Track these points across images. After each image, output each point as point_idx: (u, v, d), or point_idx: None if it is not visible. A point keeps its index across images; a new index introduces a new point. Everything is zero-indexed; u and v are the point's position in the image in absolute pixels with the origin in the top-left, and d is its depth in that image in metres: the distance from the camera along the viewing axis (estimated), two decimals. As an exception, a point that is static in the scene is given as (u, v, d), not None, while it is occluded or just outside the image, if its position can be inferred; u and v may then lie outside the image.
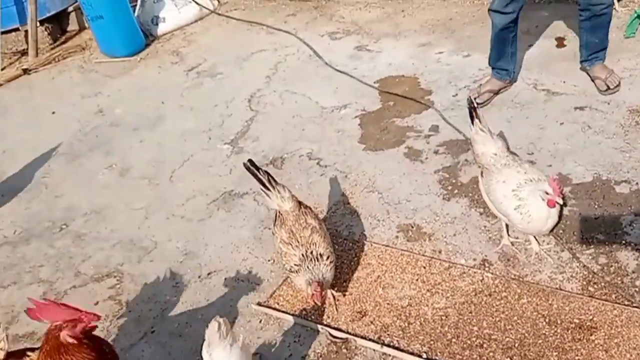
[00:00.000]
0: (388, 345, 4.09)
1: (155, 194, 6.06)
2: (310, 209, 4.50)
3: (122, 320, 4.73)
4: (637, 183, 5.02)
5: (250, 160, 4.47)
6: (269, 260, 4.97)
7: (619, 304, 4.07)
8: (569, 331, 3.97)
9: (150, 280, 5.04)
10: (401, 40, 8.07)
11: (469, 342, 4.03)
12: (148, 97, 7.87)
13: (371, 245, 4.92)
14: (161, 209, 5.85)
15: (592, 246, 4.57)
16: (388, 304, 4.40)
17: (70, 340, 3.18)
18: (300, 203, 4.46)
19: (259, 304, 4.58)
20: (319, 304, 4.17)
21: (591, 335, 3.91)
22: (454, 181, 5.43)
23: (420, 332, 4.15)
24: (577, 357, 3.81)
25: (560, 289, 4.27)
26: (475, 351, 3.97)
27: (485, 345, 3.99)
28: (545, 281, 4.37)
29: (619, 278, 4.28)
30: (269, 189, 4.34)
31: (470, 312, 4.22)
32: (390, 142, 6.14)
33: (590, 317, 4.02)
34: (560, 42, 7.24)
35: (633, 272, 4.30)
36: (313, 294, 4.03)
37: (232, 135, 6.76)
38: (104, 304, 4.89)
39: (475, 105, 4.75)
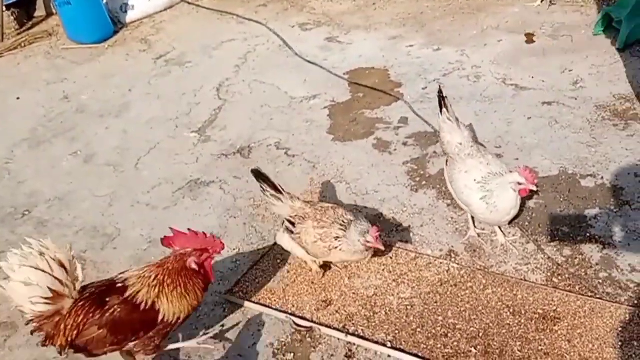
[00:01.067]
0: (353, 335, 4.07)
1: (120, 181, 5.99)
2: (318, 204, 4.50)
3: (85, 307, 4.66)
4: (602, 177, 5.06)
5: (257, 168, 4.40)
6: (234, 249, 4.92)
7: (582, 295, 4.10)
8: (533, 321, 3.98)
9: (114, 267, 4.94)
10: (372, 32, 8.07)
11: (433, 331, 4.03)
12: (115, 85, 7.78)
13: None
14: (126, 197, 5.78)
15: (557, 238, 4.60)
16: (354, 293, 4.38)
17: (194, 266, 3.70)
18: (305, 201, 4.48)
19: (223, 292, 4.54)
20: (383, 248, 4.17)
21: (555, 325, 3.93)
22: (422, 173, 5.43)
23: (385, 322, 4.14)
24: (540, 347, 3.82)
25: (525, 280, 4.29)
26: (440, 341, 3.96)
27: (449, 335, 3.99)
28: (510, 272, 4.38)
29: (583, 270, 4.31)
30: (281, 193, 4.33)
31: (436, 302, 4.22)
32: (359, 133, 6.14)
33: (554, 307, 4.04)
34: (530, 38, 7.29)
35: (597, 264, 4.33)
36: (376, 238, 4.06)
37: (199, 123, 6.70)
38: (66, 290, 4.81)
39: (445, 95, 4.74)
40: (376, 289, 4.40)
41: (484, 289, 4.24)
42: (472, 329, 4.01)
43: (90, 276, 4.85)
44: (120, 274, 3.83)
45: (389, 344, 3.98)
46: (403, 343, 3.98)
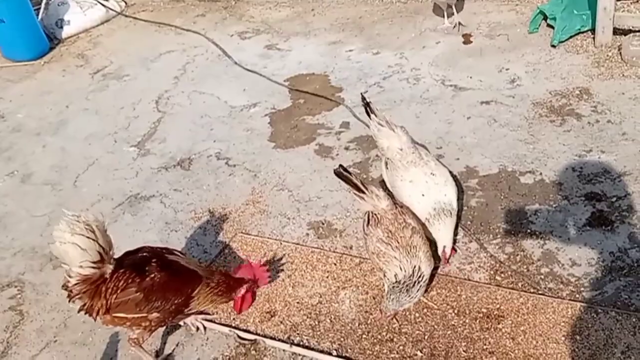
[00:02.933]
0: (298, 345, 4.02)
1: (59, 200, 5.85)
2: (406, 208, 4.24)
3: (23, 330, 4.54)
4: (540, 173, 5.10)
5: (341, 166, 4.20)
6: (176, 263, 4.84)
7: (525, 291, 4.11)
8: (477, 321, 3.98)
9: (53, 289, 4.84)
10: (311, 38, 8.05)
11: (379, 337, 4.00)
12: (51, 101, 7.63)
13: (281, 244, 4.85)
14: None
15: (498, 236, 4.62)
16: (298, 302, 4.34)
17: (243, 292, 4.19)
18: (395, 202, 4.23)
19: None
20: (381, 321, 4.11)
21: (499, 324, 3.93)
22: (364, 176, 5.42)
23: (330, 330, 4.10)
24: (485, 347, 3.82)
25: (469, 280, 4.29)
26: (386, 346, 3.94)
27: (395, 340, 3.96)
28: (454, 272, 4.38)
29: (525, 266, 4.33)
30: (363, 192, 4.10)
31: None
32: (301, 139, 6.10)
33: (498, 306, 4.05)
34: (467, 38, 7.35)
35: (538, 260, 4.36)
36: (390, 315, 4.03)
37: (138, 137, 6.60)
38: (4, 315, 4.68)
39: (368, 101, 4.70)
40: (320, 296, 4.36)
41: (428, 291, 4.21)
42: (417, 332, 3.99)
43: (29, 299, 4.80)
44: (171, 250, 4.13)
45: (334, 352, 3.94)
46: (349, 350, 3.95)
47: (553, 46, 6.79)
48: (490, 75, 6.56)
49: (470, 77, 6.59)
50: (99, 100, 7.52)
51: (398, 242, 3.93)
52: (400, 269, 3.87)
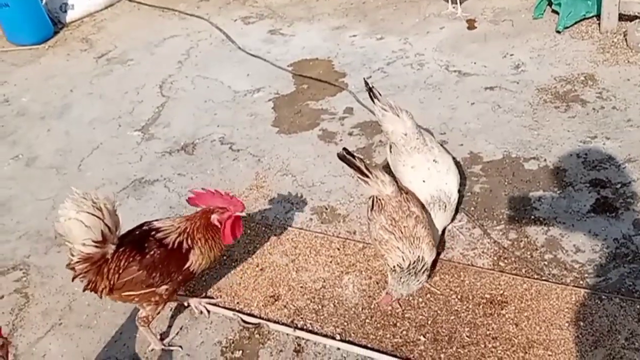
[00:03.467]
0: (301, 329, 4.04)
1: (63, 184, 5.84)
2: (412, 194, 4.18)
3: (29, 313, 4.56)
4: (545, 160, 5.10)
5: (345, 149, 4.08)
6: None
7: (528, 277, 4.12)
8: (481, 306, 3.99)
9: (58, 272, 4.85)
10: (315, 23, 8.02)
11: (382, 321, 4.02)
12: (56, 85, 7.62)
13: (285, 228, 4.86)
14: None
15: (502, 222, 4.62)
16: (301, 287, 4.35)
17: (216, 223, 3.95)
18: (401, 188, 4.15)
19: (170, 291, 4.47)
20: (385, 307, 4.11)
21: (502, 309, 3.94)
22: (368, 162, 5.39)
23: (334, 314, 4.12)
24: (488, 332, 3.83)
25: (472, 265, 4.30)
26: (389, 330, 3.95)
27: (398, 324, 3.98)
28: (457, 258, 4.39)
29: (529, 252, 4.34)
30: (367, 176, 4.03)
31: (384, 291, 4.18)
32: (305, 124, 6.10)
33: (501, 291, 4.06)
34: (471, 23, 7.32)
35: (542, 246, 4.36)
36: (382, 300, 4.06)
37: (142, 122, 6.60)
38: (9, 297, 4.70)
39: (372, 85, 4.64)
40: (324, 281, 4.37)
41: (431, 276, 4.22)
42: (420, 317, 4.00)
43: (34, 282, 4.82)
44: (149, 222, 4.04)
45: (337, 337, 3.96)
46: (352, 335, 3.97)
47: (558, 32, 6.76)
48: (494, 60, 6.54)
49: (475, 63, 6.57)
50: (103, 84, 7.51)
51: (402, 232, 3.90)
52: (403, 259, 3.86)
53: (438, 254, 4.29)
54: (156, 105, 6.85)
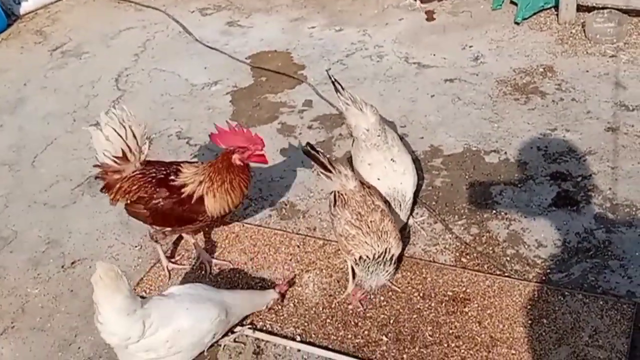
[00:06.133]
0: (260, 330, 3.95)
1: (16, 181, 5.69)
2: (374, 188, 4.14)
3: (-21, 316, 4.43)
4: (505, 152, 5.07)
5: (309, 144, 4.09)
6: (135, 247, 4.75)
7: (491, 274, 4.08)
8: (443, 304, 3.94)
9: (10, 272, 4.72)
10: (273, 15, 7.91)
11: (343, 321, 3.95)
12: (9, 79, 7.40)
13: (243, 226, 4.76)
14: (22, 197, 5.50)
15: (464, 217, 4.58)
16: (261, 286, 4.25)
17: (238, 162, 3.99)
18: (362, 183, 4.09)
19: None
20: (354, 305, 4.01)
21: (465, 307, 3.89)
22: (328, 156, 5.28)
23: (294, 314, 4.03)
24: (451, 331, 3.78)
25: (434, 262, 4.25)
26: (350, 330, 3.88)
27: (360, 324, 3.91)
28: (419, 254, 4.34)
29: (491, 248, 4.30)
30: (330, 171, 3.98)
31: (345, 290, 4.13)
32: (263, 118, 6.01)
33: (464, 288, 4.01)
34: (430, 15, 7.27)
35: (504, 241, 4.33)
36: (352, 296, 3.95)
37: (97, 116, 6.35)
38: (-41, 301, 4.56)
39: (334, 78, 4.54)
40: (284, 280, 4.27)
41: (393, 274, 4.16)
42: (382, 316, 3.94)
43: (-16, 284, 4.65)
44: (178, 164, 4.17)
45: (298, 338, 3.88)
46: (313, 335, 3.89)
47: (517, 23, 6.75)
48: (453, 52, 6.51)
49: (434, 55, 6.53)
50: (57, 78, 7.33)
51: (369, 227, 3.83)
52: (372, 253, 3.79)
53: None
54: (112, 99, 6.68)
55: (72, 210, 5.26)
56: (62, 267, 4.72)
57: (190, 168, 4.10)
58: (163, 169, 4.11)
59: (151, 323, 3.40)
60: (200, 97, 6.49)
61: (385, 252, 3.80)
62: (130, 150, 4.02)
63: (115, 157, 4.02)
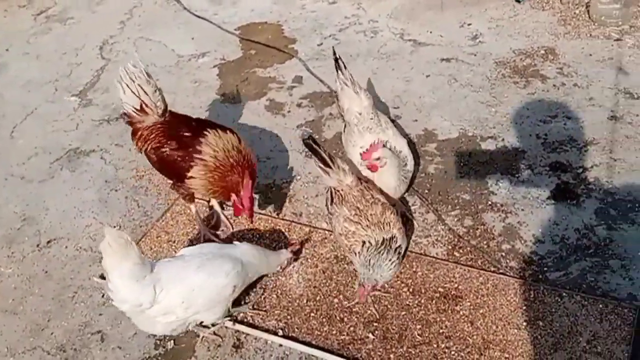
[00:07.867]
0: (241, 322, 3.75)
1: (-6, 152, 5.49)
2: (372, 183, 3.95)
3: (-53, 298, 4.23)
4: (503, 139, 4.87)
5: (311, 137, 3.86)
6: (114, 227, 4.51)
7: (484, 270, 3.89)
8: (434, 301, 3.75)
9: (-17, 253, 4.54)
10: (265, -16, 7.64)
11: (328, 315, 3.75)
12: (-9, 44, 7.16)
13: (226, 209, 4.55)
14: (-1, 169, 5.31)
15: (457, 207, 4.38)
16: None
17: (234, 199, 4.13)
18: (359, 178, 3.91)
19: (101, 276, 4.10)
20: (362, 301, 3.79)
21: (456, 305, 3.70)
22: (317, 137, 5.11)
23: (276, 306, 3.84)
24: (441, 330, 3.60)
25: (425, 255, 4.05)
26: (335, 326, 3.69)
27: (346, 320, 3.72)
28: (410, 245, 4.12)
29: (485, 242, 4.10)
30: (330, 166, 3.77)
31: (331, 282, 3.94)
32: (251, 93, 5.79)
33: (456, 285, 3.82)
34: (428, -11, 7.02)
35: (499, 235, 4.13)
36: (360, 294, 3.67)
37: (80, 86, 6.22)
38: None
39: (338, 56, 4.38)
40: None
41: (382, 267, 3.97)
42: (369, 311, 3.74)
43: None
44: (207, 128, 4.21)
45: (280, 332, 3.69)
46: (296, 329, 3.70)
47: (518, 1, 6.54)
48: (451, 30, 6.29)
49: (430, 32, 6.31)
50: (40, 44, 7.09)
51: (369, 221, 3.62)
52: (374, 240, 3.56)
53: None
54: (95, 69, 6.47)
55: (50, 185, 5.06)
56: (38, 246, 4.55)
57: (219, 144, 4.11)
58: (190, 123, 4.33)
59: (162, 287, 3.33)
60: (186, 69, 6.26)
61: (390, 240, 3.56)
62: (147, 105, 4.28)
63: (134, 107, 4.30)
